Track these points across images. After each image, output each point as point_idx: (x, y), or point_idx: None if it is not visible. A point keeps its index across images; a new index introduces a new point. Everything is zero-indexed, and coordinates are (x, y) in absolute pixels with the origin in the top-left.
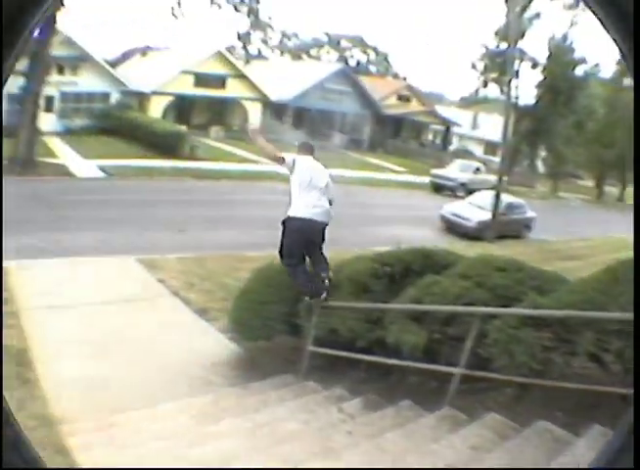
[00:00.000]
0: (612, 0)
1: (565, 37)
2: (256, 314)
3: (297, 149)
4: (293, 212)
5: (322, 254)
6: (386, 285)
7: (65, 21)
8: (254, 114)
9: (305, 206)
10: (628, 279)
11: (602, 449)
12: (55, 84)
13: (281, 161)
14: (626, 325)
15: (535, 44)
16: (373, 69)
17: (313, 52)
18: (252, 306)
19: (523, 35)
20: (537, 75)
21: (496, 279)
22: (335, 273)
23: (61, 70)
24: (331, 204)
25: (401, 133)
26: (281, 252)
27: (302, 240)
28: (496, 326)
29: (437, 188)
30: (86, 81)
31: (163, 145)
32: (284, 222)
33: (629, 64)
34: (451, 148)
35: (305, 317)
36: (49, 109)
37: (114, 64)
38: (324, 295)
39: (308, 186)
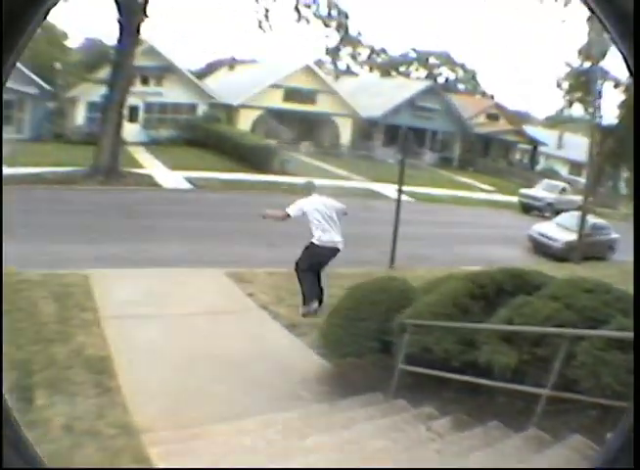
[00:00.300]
0: (612, 0)
1: None
2: (347, 331)
3: (302, 191)
4: (316, 241)
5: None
6: (479, 305)
7: (148, 31)
8: (345, 130)
9: (325, 237)
10: None
11: (602, 449)
12: (139, 94)
13: (286, 217)
14: None
15: (617, 63)
16: (461, 86)
17: (401, 68)
18: (344, 323)
19: (604, 54)
20: (620, 95)
21: (584, 301)
22: (427, 292)
23: (145, 81)
24: (345, 214)
25: (490, 152)
26: (298, 263)
27: (320, 261)
28: (584, 348)
29: (526, 208)
30: (171, 92)
31: (253, 159)
32: (308, 247)
33: (629, 64)
34: (538, 167)
35: (398, 335)
36: (133, 119)
37: (198, 75)
38: (316, 305)
39: (322, 220)
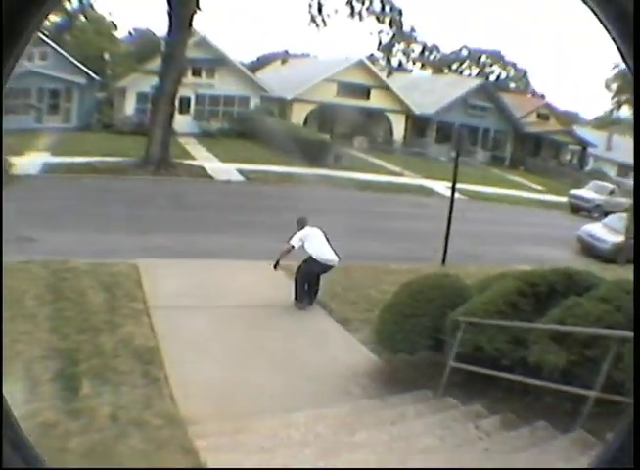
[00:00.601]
0: (612, 0)
1: None
2: (400, 327)
3: (297, 226)
4: (316, 258)
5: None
6: (532, 304)
7: (201, 23)
8: (398, 126)
9: (321, 257)
10: None
11: (602, 449)
12: (190, 86)
13: (291, 248)
14: None
15: None
16: (512, 85)
17: (453, 66)
18: (397, 319)
19: None
20: None
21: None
22: (480, 290)
23: (197, 73)
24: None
25: (541, 152)
26: (298, 270)
27: (317, 273)
28: (630, 350)
29: (575, 209)
30: (223, 85)
31: (306, 153)
32: (307, 261)
33: (629, 64)
34: (587, 168)
35: (450, 333)
36: (184, 110)
37: (250, 68)
38: (306, 304)
39: (318, 245)
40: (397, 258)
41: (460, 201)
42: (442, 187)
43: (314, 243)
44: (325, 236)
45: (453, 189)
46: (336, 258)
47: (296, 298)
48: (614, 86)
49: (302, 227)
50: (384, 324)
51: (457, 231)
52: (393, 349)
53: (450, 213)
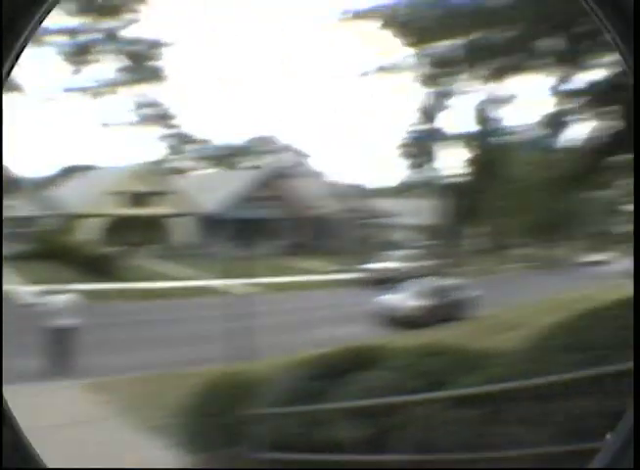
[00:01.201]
0: (612, 0)
1: None
2: (198, 430)
3: None
4: None
5: None
6: (324, 385)
7: None
8: (186, 228)
9: None
10: None
11: (602, 450)
12: None
13: None
14: None
15: None
16: (295, 169)
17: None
18: (192, 424)
19: None
20: None
21: (427, 366)
22: (270, 381)
23: None
24: None
25: (330, 230)
26: None
27: None
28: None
29: (370, 282)
30: (23, 205)
31: (93, 268)
32: None
33: (629, 64)
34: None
35: (247, 427)
36: None
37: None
38: None
39: None
40: (191, 362)
41: (255, 295)
42: (236, 284)
43: None
44: None
45: (244, 285)
46: None
47: None
48: None
49: None
50: (182, 430)
51: (257, 326)
52: (197, 450)
53: (245, 310)
